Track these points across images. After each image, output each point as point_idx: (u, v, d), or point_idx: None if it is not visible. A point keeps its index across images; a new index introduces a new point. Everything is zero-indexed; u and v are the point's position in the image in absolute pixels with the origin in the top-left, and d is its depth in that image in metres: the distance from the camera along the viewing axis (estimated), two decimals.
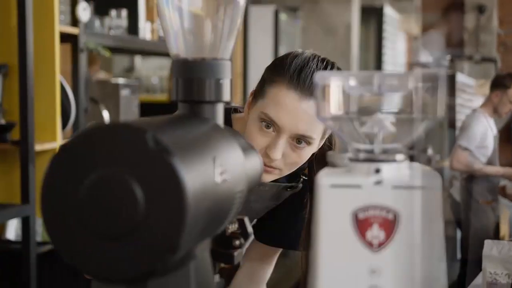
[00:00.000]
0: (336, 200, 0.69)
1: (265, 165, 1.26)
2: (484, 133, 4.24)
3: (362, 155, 0.72)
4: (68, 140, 0.64)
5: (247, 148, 0.85)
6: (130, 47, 3.12)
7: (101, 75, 3.48)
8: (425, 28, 9.85)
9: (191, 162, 0.64)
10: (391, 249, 0.68)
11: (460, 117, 7.30)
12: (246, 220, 0.90)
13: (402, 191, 0.68)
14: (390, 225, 0.68)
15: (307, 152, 1.27)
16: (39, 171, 2.38)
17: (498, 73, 5.91)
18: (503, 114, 4.36)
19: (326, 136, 1.34)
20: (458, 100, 7.01)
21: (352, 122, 0.73)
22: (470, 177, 4.35)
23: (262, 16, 5.15)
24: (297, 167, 1.30)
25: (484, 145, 4.28)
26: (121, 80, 3.12)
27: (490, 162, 4.33)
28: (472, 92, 7.67)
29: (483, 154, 4.29)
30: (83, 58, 2.64)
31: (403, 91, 0.72)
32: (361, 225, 0.69)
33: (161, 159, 0.60)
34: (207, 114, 0.81)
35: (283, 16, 4.91)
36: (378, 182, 0.69)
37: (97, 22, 2.90)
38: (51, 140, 2.48)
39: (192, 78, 0.80)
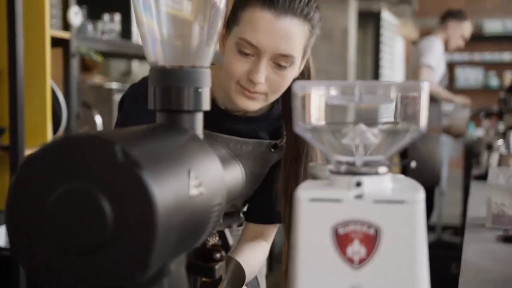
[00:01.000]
0: (315, 214, 0.67)
1: (249, 91, 1.24)
2: (440, 53, 4.42)
3: (343, 168, 0.69)
4: (36, 151, 0.62)
5: (227, 159, 0.83)
6: (123, 51, 3.10)
7: (98, 79, 3.46)
8: (423, 33, 9.85)
9: (163, 175, 0.61)
10: (373, 266, 0.66)
11: (383, 56, 7.36)
12: (227, 232, 0.87)
13: (383, 205, 0.66)
14: (371, 241, 0.66)
15: (290, 73, 1.25)
16: None
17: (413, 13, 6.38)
18: (452, 47, 4.52)
19: (307, 57, 1.31)
20: (382, 39, 7.09)
21: (333, 133, 0.71)
22: None
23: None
24: (281, 91, 1.27)
25: (439, 66, 4.48)
26: (114, 85, 3.09)
27: (440, 85, 4.54)
28: (394, 30, 7.74)
29: (438, 76, 4.48)
30: (74, 63, 2.61)
31: (384, 102, 0.69)
32: (341, 240, 0.66)
33: (130, 172, 0.58)
34: (186, 124, 0.78)
35: None
36: (359, 196, 0.67)
37: (89, 26, 2.88)
38: (42, 145, 2.45)
39: (170, 87, 0.78)
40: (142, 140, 0.65)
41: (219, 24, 0.81)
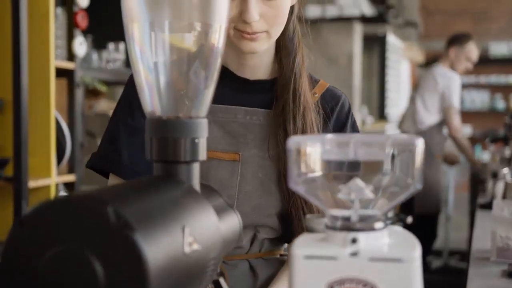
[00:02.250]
0: (310, 272, 0.66)
1: (248, 33, 1.17)
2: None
3: (338, 223, 0.69)
4: (29, 212, 0.61)
5: (223, 208, 0.82)
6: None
7: (103, 104, 3.47)
8: (429, 55, 9.88)
9: (156, 235, 0.61)
10: None
11: (389, 79, 7.37)
12: (222, 280, 0.87)
13: (379, 263, 0.65)
14: None
15: (284, 1, 1.18)
16: None
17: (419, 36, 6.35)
18: (459, 71, 4.52)
19: None
20: (388, 62, 7.10)
21: (328, 187, 0.70)
22: (427, 131, 4.44)
23: None
24: (283, 23, 1.19)
25: None
26: None
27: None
28: (400, 53, 7.75)
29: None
30: (79, 93, 2.62)
31: (379, 157, 0.69)
32: None
33: (123, 235, 0.58)
34: (182, 175, 0.78)
35: None
36: (354, 254, 0.66)
37: (94, 56, 2.89)
38: (46, 176, 2.45)
39: (167, 138, 0.78)
40: (135, 197, 0.65)
41: (215, 75, 0.81)
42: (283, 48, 1.26)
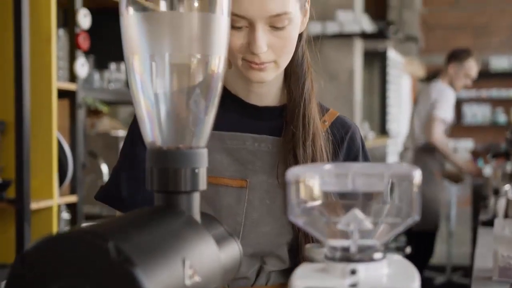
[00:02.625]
0: None
1: (256, 63, 1.16)
2: (452, 107, 4.48)
3: (338, 254, 0.69)
4: (30, 247, 0.62)
5: (224, 237, 0.83)
6: (129, 100, 3.13)
7: (106, 122, 3.48)
8: (430, 70, 9.91)
9: (156, 269, 0.61)
10: None
11: (390, 94, 7.37)
12: None
13: None
14: None
15: (292, 32, 1.16)
16: (35, 230, 2.35)
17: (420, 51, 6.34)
18: (458, 88, 4.51)
19: (306, 6, 1.22)
20: (388, 77, 7.11)
21: (327, 218, 0.71)
22: (425, 148, 4.44)
23: None
24: (291, 52, 1.18)
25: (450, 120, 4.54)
26: (121, 133, 3.11)
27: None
28: (401, 68, 7.76)
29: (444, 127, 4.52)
30: (81, 114, 2.64)
31: (377, 189, 0.70)
32: None
33: (124, 270, 0.58)
34: (183, 205, 0.79)
35: None
36: (354, 285, 0.66)
37: (96, 76, 2.91)
38: (48, 197, 2.46)
39: (167, 168, 0.79)
40: (136, 231, 0.65)
41: (215, 104, 0.82)
42: (292, 74, 1.25)
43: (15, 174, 2.34)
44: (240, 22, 1.13)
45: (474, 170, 4.78)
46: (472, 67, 4.51)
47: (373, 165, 0.74)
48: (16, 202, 2.31)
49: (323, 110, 1.30)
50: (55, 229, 2.48)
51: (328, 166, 0.72)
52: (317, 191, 0.71)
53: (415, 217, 0.69)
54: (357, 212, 0.70)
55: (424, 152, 4.45)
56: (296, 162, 1.20)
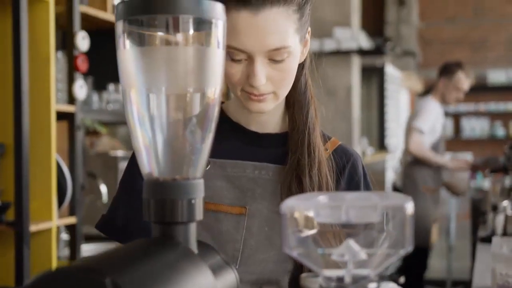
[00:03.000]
0: None
1: (255, 95, 1.16)
2: (435, 118, 4.43)
3: (333, 284, 0.70)
4: (28, 283, 0.63)
5: (221, 266, 0.84)
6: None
7: (105, 141, 3.49)
8: (428, 84, 9.94)
9: None
10: None
11: (388, 109, 7.38)
12: None
13: None
14: None
15: (291, 64, 1.16)
16: (34, 252, 2.36)
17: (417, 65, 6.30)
18: (451, 101, 4.52)
19: (306, 38, 1.22)
20: (386, 93, 7.12)
21: (322, 250, 0.72)
22: (414, 162, 4.42)
23: None
24: (290, 83, 1.19)
25: (434, 130, 4.47)
26: (120, 153, 3.12)
27: (434, 148, 4.49)
28: (399, 83, 7.78)
29: (430, 140, 4.47)
30: (79, 136, 2.65)
31: (371, 220, 0.71)
32: None
33: None
34: (179, 236, 0.80)
35: None
36: None
37: (95, 97, 2.92)
38: (47, 219, 2.46)
39: (164, 199, 0.80)
40: (133, 265, 0.66)
41: (211, 135, 0.83)
42: (295, 102, 1.26)
43: (14, 197, 2.35)
44: (239, 55, 1.14)
45: (462, 164, 4.74)
46: (461, 79, 4.50)
47: (367, 195, 0.75)
48: (15, 225, 2.32)
49: (325, 138, 1.30)
50: (54, 251, 2.48)
51: (322, 198, 0.74)
52: (311, 222, 0.72)
53: (408, 247, 0.70)
54: (352, 243, 0.71)
55: (412, 166, 4.47)
56: (301, 190, 1.20)
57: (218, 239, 1.21)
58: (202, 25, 0.80)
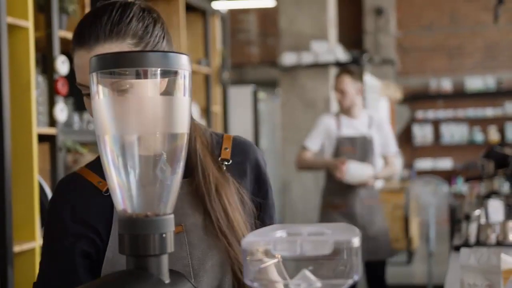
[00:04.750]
0: None
1: None
2: (325, 135, 4.11)
3: None
4: None
5: None
6: None
7: (88, 158, 3.53)
8: (406, 92, 10.08)
9: None
10: None
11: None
12: None
13: None
14: None
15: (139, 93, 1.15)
16: (18, 273, 2.41)
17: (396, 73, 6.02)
18: (344, 108, 4.12)
19: None
20: (366, 101, 7.17)
21: (280, 279, 0.80)
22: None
23: (242, 96, 5.30)
24: None
25: (327, 147, 4.14)
26: None
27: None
28: (378, 92, 7.84)
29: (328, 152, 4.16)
30: (61, 157, 2.71)
31: (323, 253, 0.78)
32: None
33: None
34: (152, 268, 0.87)
35: (261, 95, 5.03)
36: None
37: (75, 118, 2.99)
38: (30, 240, 2.52)
39: (138, 234, 0.87)
40: None
41: (181, 169, 0.91)
42: None
43: None
44: (87, 90, 1.19)
45: (338, 162, 4.05)
46: (335, 80, 4.17)
47: (319, 229, 0.83)
48: None
49: (219, 139, 1.34)
50: (37, 271, 2.53)
51: (279, 234, 0.81)
52: (269, 256, 0.79)
53: (355, 277, 0.78)
54: (307, 273, 0.79)
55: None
56: (210, 210, 1.25)
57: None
58: (169, 75, 0.88)
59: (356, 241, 0.77)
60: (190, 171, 1.28)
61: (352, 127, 4.08)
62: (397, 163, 4.18)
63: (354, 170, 3.94)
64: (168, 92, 0.89)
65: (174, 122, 0.88)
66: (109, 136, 0.88)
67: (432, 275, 5.51)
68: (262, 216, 1.35)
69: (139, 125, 0.87)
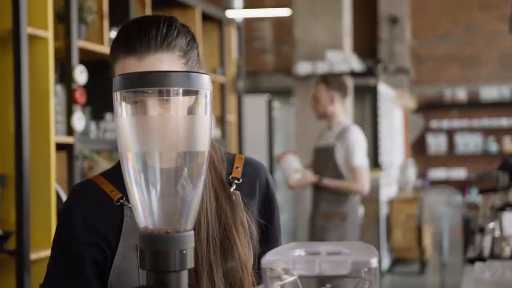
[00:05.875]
0: None
1: None
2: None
3: None
4: None
5: None
6: None
7: (103, 164, 3.56)
8: (421, 101, 10.06)
9: None
10: None
11: (382, 127, 7.40)
12: None
13: None
14: None
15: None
16: (35, 280, 2.43)
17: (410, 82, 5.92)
18: (316, 114, 4.11)
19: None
20: (380, 111, 7.15)
21: None
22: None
23: (257, 105, 5.31)
24: None
25: None
26: None
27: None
28: (392, 101, 7.80)
29: None
30: (78, 165, 2.74)
31: (341, 272, 0.80)
32: None
33: None
34: (172, 284, 0.89)
35: (276, 104, 5.04)
36: None
37: (93, 126, 3.02)
38: (47, 247, 2.55)
39: (158, 251, 0.89)
40: None
41: (199, 192, 0.92)
42: None
43: (16, 226, 2.43)
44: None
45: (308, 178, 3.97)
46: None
47: (337, 248, 0.84)
48: (16, 253, 2.40)
49: (231, 158, 1.36)
50: None
51: (297, 252, 0.83)
52: (289, 274, 0.81)
53: None
54: None
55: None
56: (208, 229, 1.26)
57: None
58: (191, 95, 0.90)
59: (374, 262, 0.78)
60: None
61: (324, 139, 4.08)
62: (364, 178, 3.91)
63: (285, 163, 3.95)
64: (190, 111, 0.91)
65: (196, 140, 0.90)
66: (132, 154, 0.90)
67: (445, 286, 5.49)
68: (266, 237, 1.35)
69: (161, 143, 0.89)
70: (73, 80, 2.70)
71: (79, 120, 2.71)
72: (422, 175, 9.98)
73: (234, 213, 1.28)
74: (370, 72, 5.99)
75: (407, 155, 9.64)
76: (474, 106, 10.13)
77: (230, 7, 6.09)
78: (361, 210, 4.14)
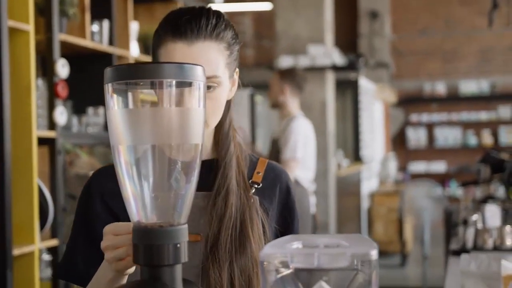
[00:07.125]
0: None
1: None
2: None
3: None
4: None
5: None
6: (107, 142, 3.20)
7: (84, 159, 3.53)
8: (401, 95, 10.11)
9: None
10: None
11: (363, 121, 7.45)
12: None
13: None
14: None
15: (220, 93, 1.24)
16: (17, 276, 2.40)
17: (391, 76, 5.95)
18: (269, 102, 4.21)
19: (234, 77, 1.30)
20: (360, 105, 7.19)
21: None
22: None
23: (238, 99, 5.27)
24: (219, 114, 1.26)
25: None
26: None
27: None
28: (373, 95, 7.84)
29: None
30: (60, 160, 2.70)
31: (340, 265, 0.79)
32: None
33: None
34: (166, 278, 0.87)
35: (258, 98, 5.03)
36: None
37: (75, 121, 2.98)
38: (30, 243, 2.52)
39: (152, 245, 0.87)
40: None
41: (195, 180, 0.91)
42: (220, 140, 1.32)
43: None
44: None
45: None
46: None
47: (336, 241, 0.83)
48: None
49: (254, 160, 1.37)
50: (37, 273, 2.53)
51: (295, 245, 0.81)
52: (286, 268, 0.80)
53: None
54: (324, 284, 0.79)
55: None
56: (211, 217, 1.26)
57: None
58: (184, 86, 0.88)
59: (374, 254, 0.77)
60: (211, 184, 1.29)
61: (278, 130, 4.16)
62: (292, 173, 3.89)
63: None
64: (183, 103, 0.89)
65: (189, 132, 0.89)
66: (123, 146, 0.88)
67: (427, 278, 5.53)
68: None
69: (154, 136, 0.88)
70: (55, 73, 2.67)
71: (61, 114, 2.68)
72: (402, 168, 10.03)
73: (251, 212, 1.28)
74: (351, 66, 5.99)
75: (387, 149, 9.69)
76: (453, 100, 10.19)
77: (211, 1, 6.06)
78: (312, 200, 4.12)
